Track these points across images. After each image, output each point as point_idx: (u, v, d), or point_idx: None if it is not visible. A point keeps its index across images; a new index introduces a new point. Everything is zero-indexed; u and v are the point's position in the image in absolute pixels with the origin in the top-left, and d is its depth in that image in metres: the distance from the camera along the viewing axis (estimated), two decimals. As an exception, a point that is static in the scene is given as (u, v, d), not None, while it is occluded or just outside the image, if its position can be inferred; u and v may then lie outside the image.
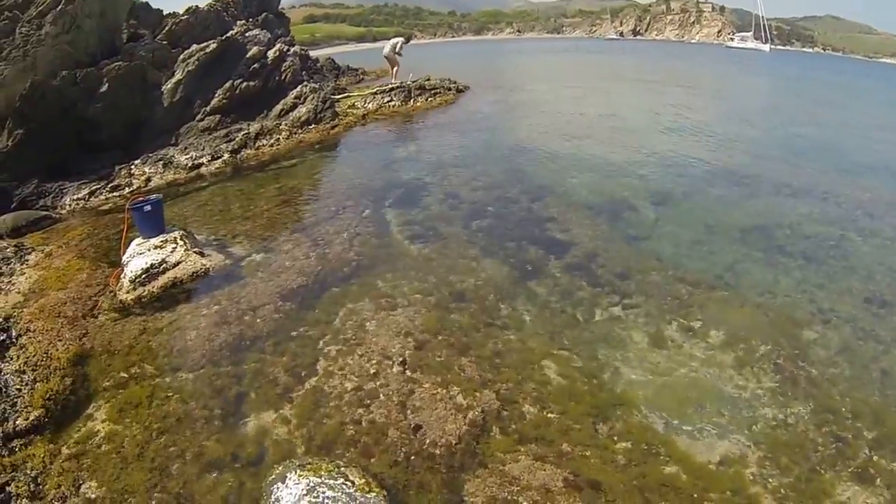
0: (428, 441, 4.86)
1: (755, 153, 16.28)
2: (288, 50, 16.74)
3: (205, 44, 14.08)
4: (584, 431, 5.04)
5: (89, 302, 7.10)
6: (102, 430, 4.95)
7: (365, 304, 7.10)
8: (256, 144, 14.37)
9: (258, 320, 6.63)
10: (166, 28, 13.81)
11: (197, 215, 10.25)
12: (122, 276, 7.49)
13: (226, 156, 13.36)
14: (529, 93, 26.39)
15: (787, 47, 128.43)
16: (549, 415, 5.22)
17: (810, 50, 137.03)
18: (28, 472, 4.46)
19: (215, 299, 7.12)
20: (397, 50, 22.18)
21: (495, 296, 7.49)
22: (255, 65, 15.39)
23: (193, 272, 7.64)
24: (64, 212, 10.17)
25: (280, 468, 4.01)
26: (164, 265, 7.58)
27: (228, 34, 14.84)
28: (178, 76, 13.39)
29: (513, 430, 5.08)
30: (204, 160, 12.97)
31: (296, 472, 3.82)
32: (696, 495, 4.38)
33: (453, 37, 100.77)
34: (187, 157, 12.85)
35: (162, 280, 7.43)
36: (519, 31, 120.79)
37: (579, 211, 10.69)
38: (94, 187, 10.85)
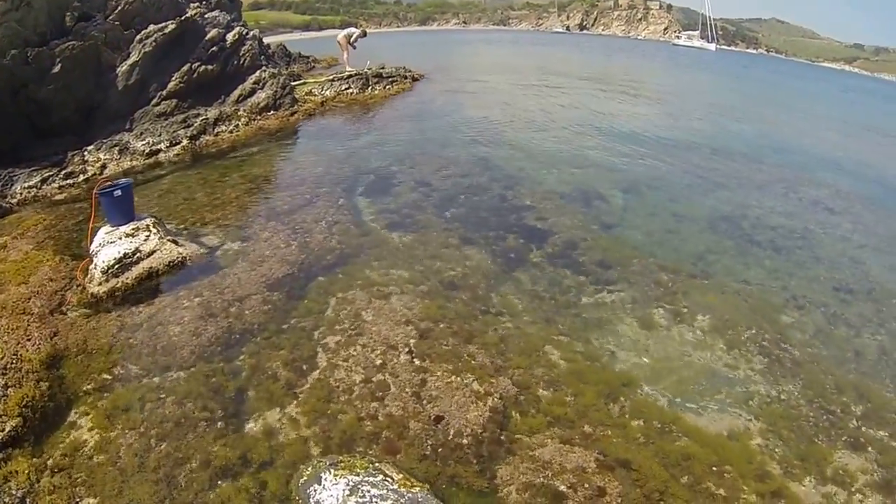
0: (452, 431, 4.77)
1: (713, 148, 16.87)
2: (247, 33, 16.04)
3: (163, 24, 13.28)
4: (601, 412, 5.19)
5: (56, 297, 6.57)
6: (91, 440, 4.55)
7: (357, 294, 6.90)
8: (215, 131, 13.75)
9: (246, 312, 6.31)
10: (118, 8, 12.95)
11: (161, 203, 9.69)
12: (90, 267, 6.98)
13: (184, 142, 12.70)
14: (484, 82, 26.45)
15: (732, 47, 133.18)
16: (564, 397, 5.33)
17: (754, 51, 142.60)
18: (13, 491, 4.00)
19: (196, 291, 6.73)
20: (351, 41, 21.67)
21: (485, 284, 7.49)
22: (214, 48, 14.67)
23: (170, 262, 7.21)
24: (14, 201, 9.41)
25: (310, 469, 3.77)
26: (138, 254, 7.12)
27: (187, 15, 14.06)
28: (133, 58, 12.59)
29: (533, 414, 5.11)
30: (162, 146, 12.29)
31: (331, 472, 3.61)
32: (714, 468, 4.67)
33: (398, 27, 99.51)
34: (144, 143, 12.14)
35: (136, 271, 6.98)
36: (465, 22, 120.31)
37: (552, 199, 10.82)
38: (47, 174, 10.08)
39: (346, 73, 20.61)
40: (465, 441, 4.66)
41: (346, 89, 19.67)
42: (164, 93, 13.33)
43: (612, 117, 20.10)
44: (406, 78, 22.72)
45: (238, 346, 5.79)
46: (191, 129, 13.12)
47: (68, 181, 10.33)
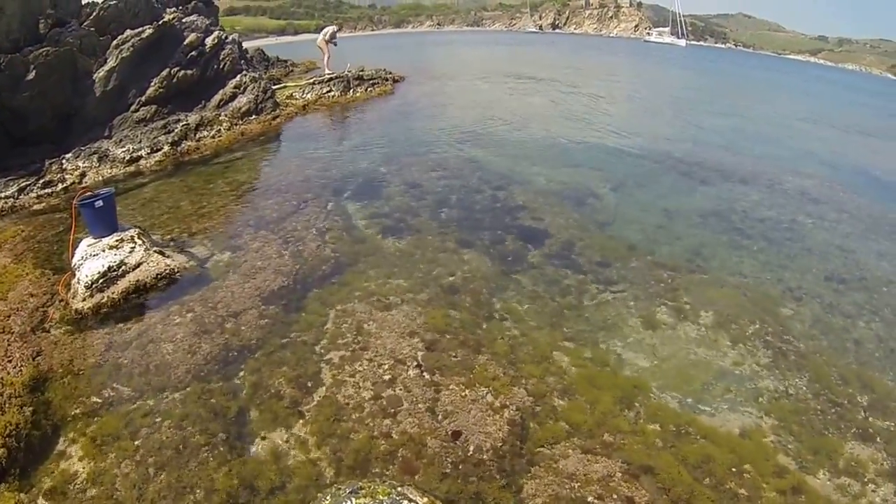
0: (472, 447, 4.56)
1: (694, 143, 16.95)
2: (226, 38, 15.67)
3: (140, 29, 12.86)
4: (618, 418, 5.09)
5: (37, 314, 6.24)
6: (83, 471, 4.22)
7: (356, 305, 6.64)
8: (197, 136, 13.37)
9: (242, 327, 6.02)
10: (93, 14, 12.52)
11: (145, 213, 9.35)
12: (73, 281, 6.64)
13: (165, 148, 12.33)
14: (464, 83, 26.40)
15: (701, 43, 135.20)
16: (580, 405, 5.21)
17: (723, 46, 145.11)
18: (-1, 530, 3.67)
19: (187, 305, 6.42)
20: (327, 38, 21.40)
21: (486, 289, 7.30)
22: (193, 52, 14.28)
23: (157, 274, 6.88)
24: (-10, 213, 9.01)
25: (328, 499, 3.48)
26: (124, 267, 6.78)
27: (165, 19, 13.65)
28: (111, 63, 12.16)
29: (551, 424, 4.95)
30: (142, 153, 11.90)
31: (351, 501, 3.34)
32: (734, 468, 4.65)
33: (373, 30, 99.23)
34: (124, 150, 11.74)
35: (122, 284, 6.64)
36: (439, 24, 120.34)
37: (544, 199, 10.69)
38: (24, 184, 9.66)
39: (327, 77, 20.32)
40: (485, 456, 4.46)
41: (327, 92, 19.39)
42: (144, 98, 12.94)
43: (592, 114, 20.09)
44: (387, 80, 22.49)
45: (236, 363, 5.50)
46: (172, 134, 12.74)
47: (46, 190, 9.93)
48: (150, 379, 5.19)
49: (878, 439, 5.20)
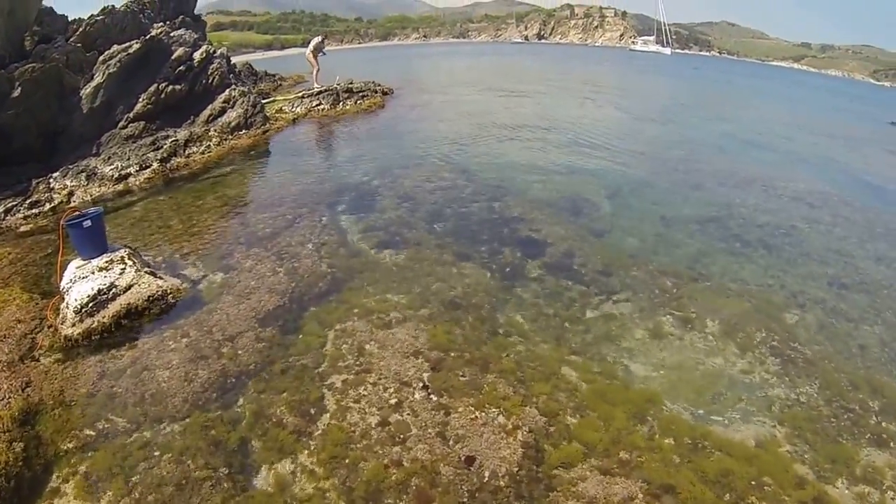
0: (487, 473, 4.39)
1: (687, 149, 17.04)
2: (214, 52, 15.50)
3: (127, 44, 12.67)
4: (632, 435, 4.96)
5: (25, 341, 6.01)
6: (78, 510, 3.98)
7: (356, 324, 6.47)
8: (186, 152, 13.16)
9: (240, 352, 5.82)
10: (80, 30, 12.32)
11: (134, 233, 9.13)
12: (62, 306, 6.42)
13: (155, 165, 12.11)
14: (452, 95, 26.33)
15: (686, 51, 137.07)
16: (593, 423, 5.07)
17: (707, 53, 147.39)
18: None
19: (182, 329, 6.22)
20: (313, 48, 21.22)
21: (488, 303, 7.14)
22: (181, 67, 14.10)
23: (149, 297, 6.66)
24: (-26, 235, 8.75)
25: None
26: (114, 290, 6.56)
27: (152, 34, 13.46)
28: (98, 79, 11.95)
29: (566, 445, 4.80)
30: (131, 170, 11.67)
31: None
32: (753, 481, 4.56)
33: (360, 43, 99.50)
34: (112, 167, 11.51)
35: (113, 308, 6.42)
36: (425, 36, 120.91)
37: (540, 209, 10.59)
38: (10, 204, 9.41)
39: (316, 90, 20.18)
40: (502, 482, 4.29)
41: (316, 105, 19.25)
42: (132, 115, 12.74)
43: (583, 123, 20.09)
44: (376, 93, 22.38)
45: (235, 390, 5.30)
46: (161, 151, 12.53)
47: (34, 210, 9.68)
48: (147, 409, 4.97)
49: (892, 444, 5.16)
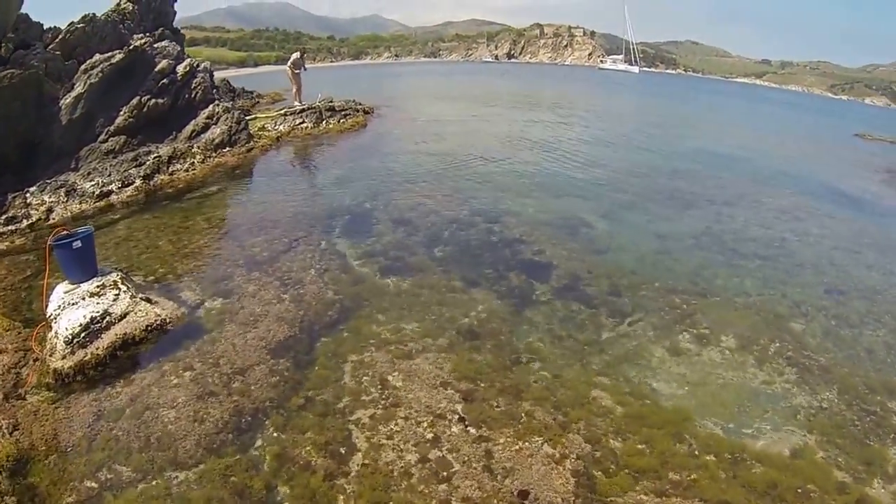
0: (543, 505, 4.11)
1: (671, 166, 17.27)
2: (198, 65, 15.01)
3: (110, 53, 12.11)
4: (677, 455, 4.90)
5: (10, 376, 5.49)
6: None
7: (375, 354, 6.11)
8: (170, 169, 12.64)
9: (252, 387, 5.39)
10: (59, 38, 11.74)
11: (120, 254, 8.60)
12: (49, 335, 5.90)
13: (137, 182, 11.55)
14: (434, 113, 26.26)
15: (653, 69, 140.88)
16: (637, 446, 4.97)
17: (673, 71, 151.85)
18: None
19: (184, 362, 5.76)
20: (291, 64, 20.47)
21: (505, 329, 6.91)
22: (165, 80, 13.59)
23: (147, 326, 6.19)
24: (-55, 256, 8.11)
25: None
26: (108, 318, 6.07)
27: (136, 44, 12.93)
28: (78, 89, 11.36)
29: (615, 471, 4.65)
30: (113, 187, 11.10)
31: None
32: (800, 490, 4.60)
33: (332, 61, 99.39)
34: (93, 183, 10.91)
35: (108, 338, 5.93)
36: (396, 55, 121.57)
37: (538, 230, 10.46)
38: (-16, 221, 8.80)
39: (299, 108, 19.78)
40: (559, 513, 4.00)
41: (300, 124, 18.87)
42: (112, 128, 12.18)
43: (564, 143, 20.21)
44: (358, 111, 22.11)
45: (253, 431, 4.87)
46: (143, 167, 11.98)
47: (10, 227, 9.07)
48: (154, 455, 4.50)
49: (917, 441, 5.30)
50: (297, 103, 20.29)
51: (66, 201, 10.31)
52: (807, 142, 28.42)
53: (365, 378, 5.69)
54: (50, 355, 5.70)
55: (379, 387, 5.56)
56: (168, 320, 6.38)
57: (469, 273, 8.44)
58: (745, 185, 15.60)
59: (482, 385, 5.67)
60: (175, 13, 20.50)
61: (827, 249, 10.72)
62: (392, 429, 4.95)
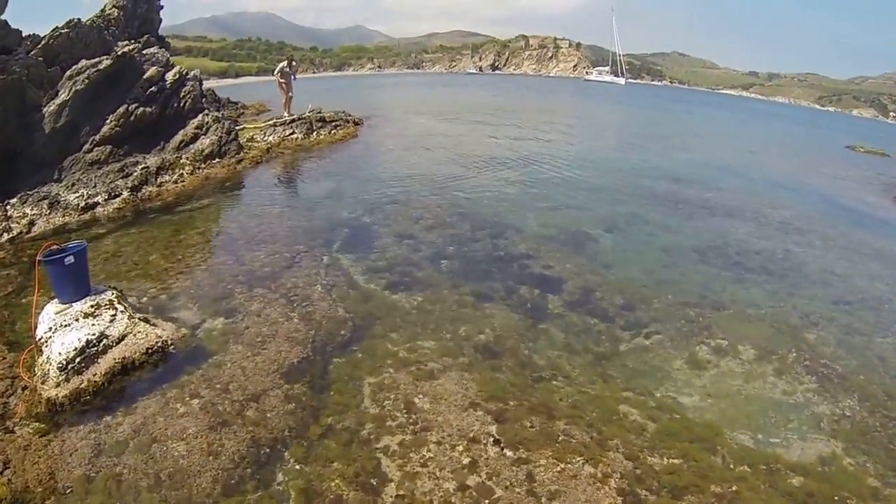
0: (596, 528, 3.85)
1: (669, 178, 17.20)
2: (187, 73, 14.54)
3: (97, 59, 11.60)
4: (715, 468, 4.83)
5: (-4, 407, 4.98)
6: None
7: (395, 376, 5.75)
8: (158, 181, 12.13)
9: (268, 415, 4.97)
10: (41, 43, 11.22)
11: (109, 269, 8.11)
12: (41, 361, 5.41)
13: (125, 194, 11.03)
14: (422, 125, 26.08)
15: (639, 80, 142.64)
16: (674, 461, 4.86)
17: (659, 83, 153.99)
18: None
19: (190, 388, 5.33)
20: (279, 72, 19.88)
21: (524, 346, 6.67)
22: (153, 88, 13.09)
23: (148, 349, 5.74)
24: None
25: None
26: (105, 341, 5.61)
27: (124, 50, 12.43)
28: (63, 96, 10.83)
29: (657, 487, 4.52)
30: (99, 199, 10.56)
31: None
32: (836, 498, 4.58)
33: (315, 72, 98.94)
34: (77, 195, 10.38)
35: (105, 363, 5.47)
36: (380, 66, 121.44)
37: (543, 244, 10.22)
38: (-38, 236, 8.23)
39: (288, 118, 19.35)
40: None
41: (290, 135, 18.45)
42: (98, 137, 11.66)
43: (558, 154, 20.08)
44: (348, 122, 21.76)
45: (273, 464, 4.46)
46: (130, 178, 11.47)
47: (-13, 240, 8.51)
48: (167, 495, 4.06)
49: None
50: (285, 114, 19.84)
51: (49, 214, 9.77)
52: (799, 154, 28.81)
53: (387, 401, 5.33)
54: (42, 383, 5.22)
55: (404, 410, 5.21)
56: (170, 342, 5.93)
57: (479, 288, 8.16)
58: (744, 197, 15.60)
59: (512, 404, 5.41)
60: (160, 20, 20.14)
61: (831, 261, 10.74)
62: (425, 455, 4.62)
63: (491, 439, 4.85)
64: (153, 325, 6.13)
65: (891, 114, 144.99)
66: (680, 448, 4.99)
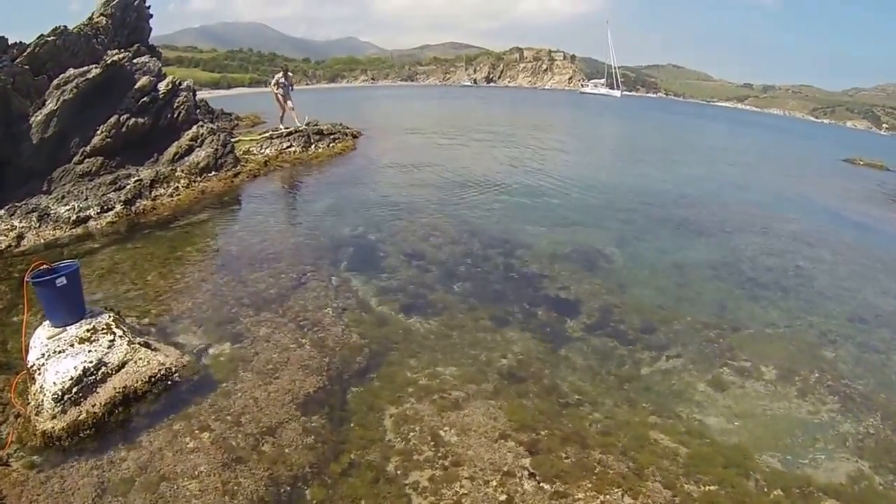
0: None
1: (674, 192, 17.12)
2: (180, 83, 14.14)
3: (86, 68, 11.16)
4: (752, 495, 4.68)
5: (-14, 441, 4.54)
6: None
7: (417, 406, 5.39)
8: (153, 194, 11.68)
9: (286, 450, 4.58)
10: (27, 51, 10.79)
11: (105, 288, 7.67)
12: (34, 390, 4.98)
13: (118, 207, 10.58)
14: (420, 138, 25.81)
15: (634, 93, 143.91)
16: (711, 487, 4.72)
17: (654, 95, 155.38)
18: None
19: (199, 420, 4.91)
20: (275, 84, 19.42)
21: (548, 371, 6.38)
22: (145, 98, 12.66)
23: (150, 377, 5.32)
24: None
25: None
26: (104, 369, 5.19)
27: (114, 58, 12.00)
28: (50, 106, 10.37)
29: None
30: (91, 213, 10.11)
31: None
32: None
33: (307, 84, 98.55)
34: (68, 208, 9.91)
35: (105, 393, 5.05)
36: (373, 78, 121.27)
37: (556, 263, 9.94)
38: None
39: (285, 131, 18.98)
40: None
41: (287, 147, 18.06)
42: (88, 149, 11.22)
43: (562, 168, 19.99)
44: (346, 135, 21.44)
45: (295, 504, 4.04)
46: (124, 191, 11.02)
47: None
48: (180, 543, 3.64)
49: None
50: (281, 126, 19.42)
51: (39, 227, 9.31)
52: (799, 167, 28.97)
53: (412, 434, 4.96)
54: (36, 414, 4.79)
55: (431, 443, 4.85)
56: (174, 369, 5.50)
57: (495, 311, 7.84)
58: (753, 210, 15.56)
59: (543, 433, 5.13)
60: (150, 29, 19.68)
61: (842, 277, 10.68)
62: (458, 492, 4.30)
63: (525, 472, 4.57)
64: (155, 350, 5.71)
65: (884, 125, 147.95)
66: (714, 474, 4.85)
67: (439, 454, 4.71)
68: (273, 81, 19.84)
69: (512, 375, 6.17)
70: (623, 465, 4.79)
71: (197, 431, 4.74)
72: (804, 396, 6.27)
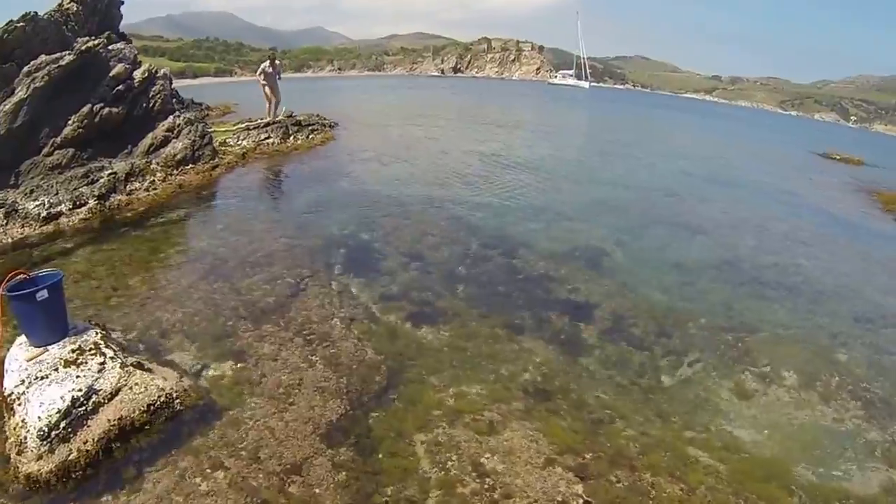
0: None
1: (662, 188, 17.01)
2: (157, 72, 13.25)
3: (58, 55, 10.26)
4: None
5: (-39, 484, 3.91)
6: None
7: (450, 431, 4.91)
8: (128, 188, 10.87)
9: (316, 490, 4.05)
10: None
11: (82, 295, 6.92)
12: (14, 424, 4.35)
13: (91, 203, 9.77)
14: (397, 129, 25.18)
15: (602, 84, 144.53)
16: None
17: (622, 86, 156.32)
18: None
19: (210, 456, 4.34)
20: (262, 71, 18.27)
21: (574, 384, 6.03)
22: (120, 86, 11.76)
23: (149, 405, 4.70)
24: None
25: None
26: (95, 398, 4.56)
27: (88, 45, 11.10)
28: (20, 94, 9.48)
29: None
30: (63, 208, 9.30)
31: None
32: None
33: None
34: (37, 203, 9.08)
35: (98, 426, 4.42)
36: (340, 68, 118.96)
37: (559, 262, 9.62)
38: None
39: (264, 121, 18.13)
40: None
41: (265, 139, 17.25)
42: (59, 139, 10.36)
43: (545, 162, 19.64)
44: (325, 126, 20.68)
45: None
46: (97, 186, 10.21)
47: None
48: None
49: None
50: (268, 117, 18.46)
51: (6, 224, 8.52)
52: (777, 163, 29.03)
53: (450, 463, 4.51)
54: (18, 454, 4.14)
55: (473, 473, 4.41)
56: (174, 395, 4.90)
57: (507, 317, 7.42)
58: (741, 207, 15.53)
59: (588, 457, 4.78)
60: (121, 16, 18.78)
61: (842, 276, 10.68)
62: (509, 528, 3.82)
63: (581, 501, 4.22)
64: (149, 371, 5.08)
65: (852, 118, 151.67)
66: (758, 491, 4.65)
67: (486, 486, 4.27)
68: (259, 70, 18.57)
69: (539, 391, 5.78)
70: (675, 486, 4.52)
71: (209, 470, 4.17)
72: (827, 403, 6.14)
